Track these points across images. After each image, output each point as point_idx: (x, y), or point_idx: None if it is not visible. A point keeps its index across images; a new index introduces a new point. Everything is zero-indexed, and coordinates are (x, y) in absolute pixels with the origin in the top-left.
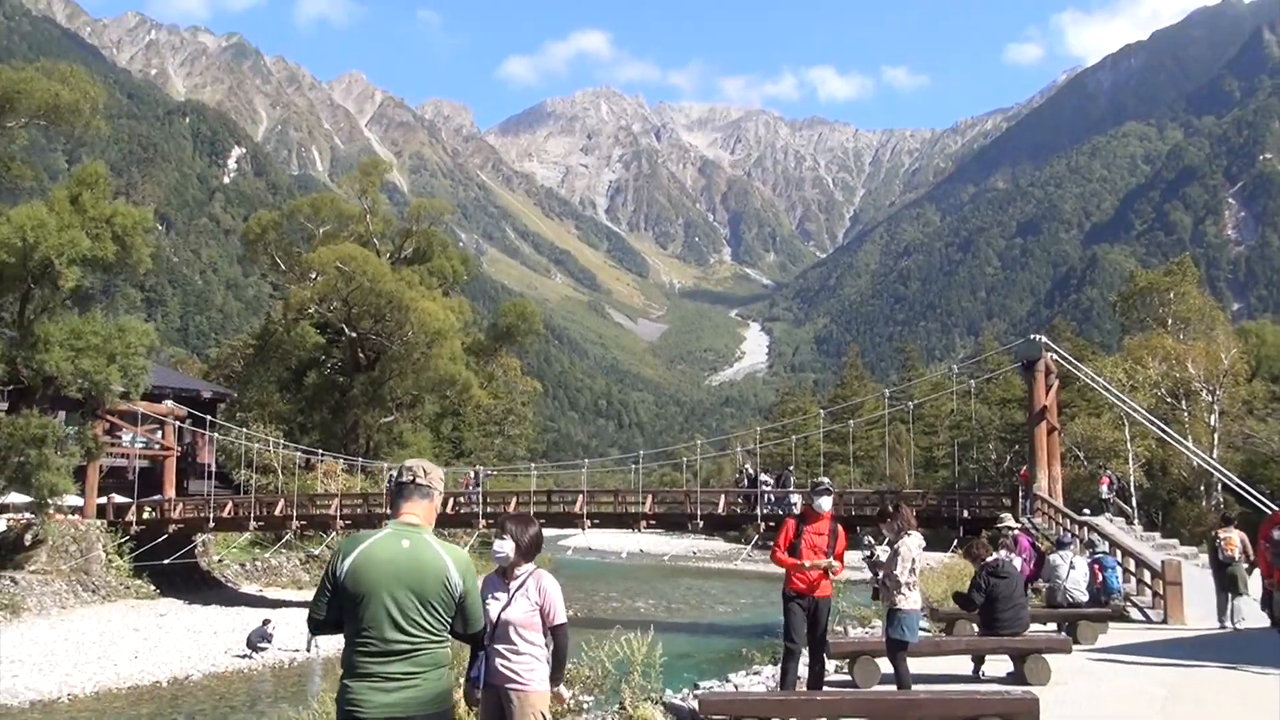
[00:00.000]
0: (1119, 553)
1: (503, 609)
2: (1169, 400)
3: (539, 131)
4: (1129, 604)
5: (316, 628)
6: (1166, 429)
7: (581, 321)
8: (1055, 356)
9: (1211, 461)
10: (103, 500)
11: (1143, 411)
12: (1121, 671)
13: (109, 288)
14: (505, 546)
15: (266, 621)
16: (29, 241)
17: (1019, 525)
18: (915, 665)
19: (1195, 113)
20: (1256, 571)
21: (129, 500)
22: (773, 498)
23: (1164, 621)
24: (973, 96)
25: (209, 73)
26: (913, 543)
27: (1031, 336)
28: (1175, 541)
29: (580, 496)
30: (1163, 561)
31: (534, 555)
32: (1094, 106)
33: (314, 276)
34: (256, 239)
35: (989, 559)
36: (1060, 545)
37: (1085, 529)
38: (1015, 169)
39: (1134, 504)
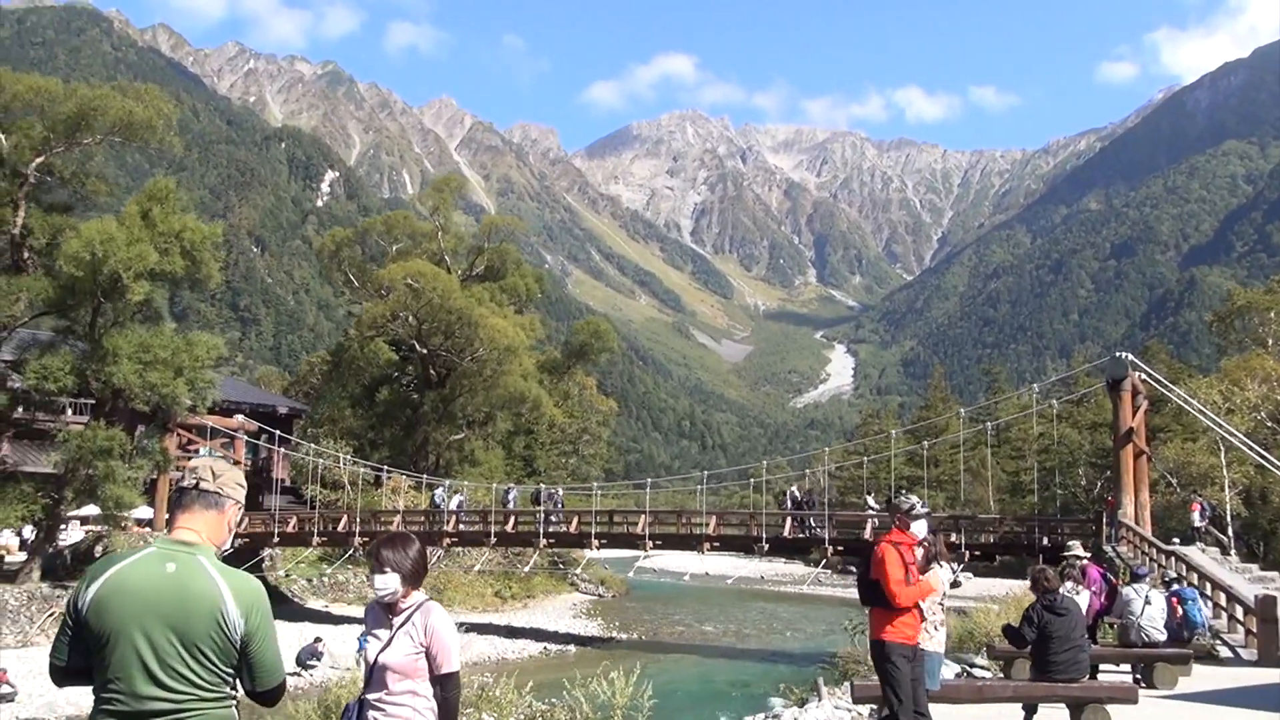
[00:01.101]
0: (1209, 585)
1: (380, 651)
2: (1269, 425)
3: (624, 154)
4: (1219, 642)
5: (59, 677)
6: (1266, 454)
7: (666, 343)
8: (1144, 376)
9: None
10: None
11: (1240, 435)
12: None
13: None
14: (388, 581)
15: (318, 639)
16: (98, 255)
17: (1088, 555)
18: (956, 713)
19: None
20: None
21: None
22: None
23: (1257, 662)
24: (1064, 117)
25: (305, 99)
26: (943, 575)
27: (1118, 354)
28: (1275, 574)
29: (643, 517)
30: (1257, 596)
31: (421, 580)
32: (1192, 125)
33: (386, 294)
34: (331, 256)
35: (1049, 591)
36: (1135, 578)
37: (1172, 559)
38: (1109, 190)
39: (1230, 534)
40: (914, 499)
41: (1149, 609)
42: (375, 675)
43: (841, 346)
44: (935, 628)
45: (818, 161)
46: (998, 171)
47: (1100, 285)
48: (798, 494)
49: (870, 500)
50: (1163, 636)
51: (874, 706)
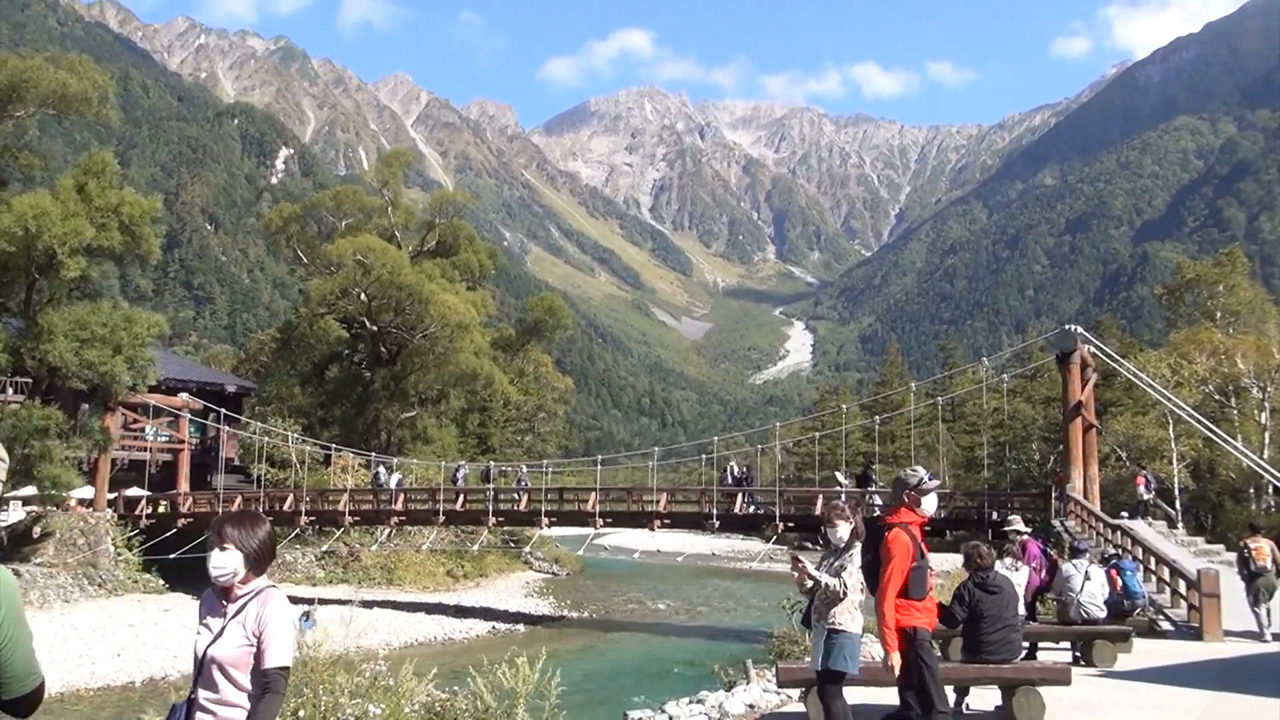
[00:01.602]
0: (1153, 560)
1: (210, 643)
2: (1217, 398)
3: (583, 131)
4: (1161, 617)
5: None
6: (1214, 428)
7: (625, 320)
8: (1093, 350)
9: (1262, 463)
10: (114, 494)
11: (1188, 409)
12: (1137, 702)
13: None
14: (227, 560)
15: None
16: (31, 230)
17: (1028, 530)
18: (883, 695)
19: (1249, 106)
20: None
21: (148, 494)
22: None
23: (1199, 637)
24: (1020, 92)
25: (257, 75)
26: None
27: (1066, 327)
28: (1221, 547)
29: (593, 494)
30: (1199, 570)
31: (266, 566)
32: (1144, 101)
33: (335, 270)
34: (278, 231)
35: (981, 568)
36: (1075, 553)
37: (1118, 533)
38: (1064, 165)
39: (1178, 506)
40: (922, 471)
41: (1089, 585)
42: (204, 670)
43: (800, 323)
44: (856, 608)
45: (776, 138)
46: (954, 147)
47: (1055, 261)
48: (736, 470)
49: (839, 476)
50: (1103, 614)
51: (803, 690)
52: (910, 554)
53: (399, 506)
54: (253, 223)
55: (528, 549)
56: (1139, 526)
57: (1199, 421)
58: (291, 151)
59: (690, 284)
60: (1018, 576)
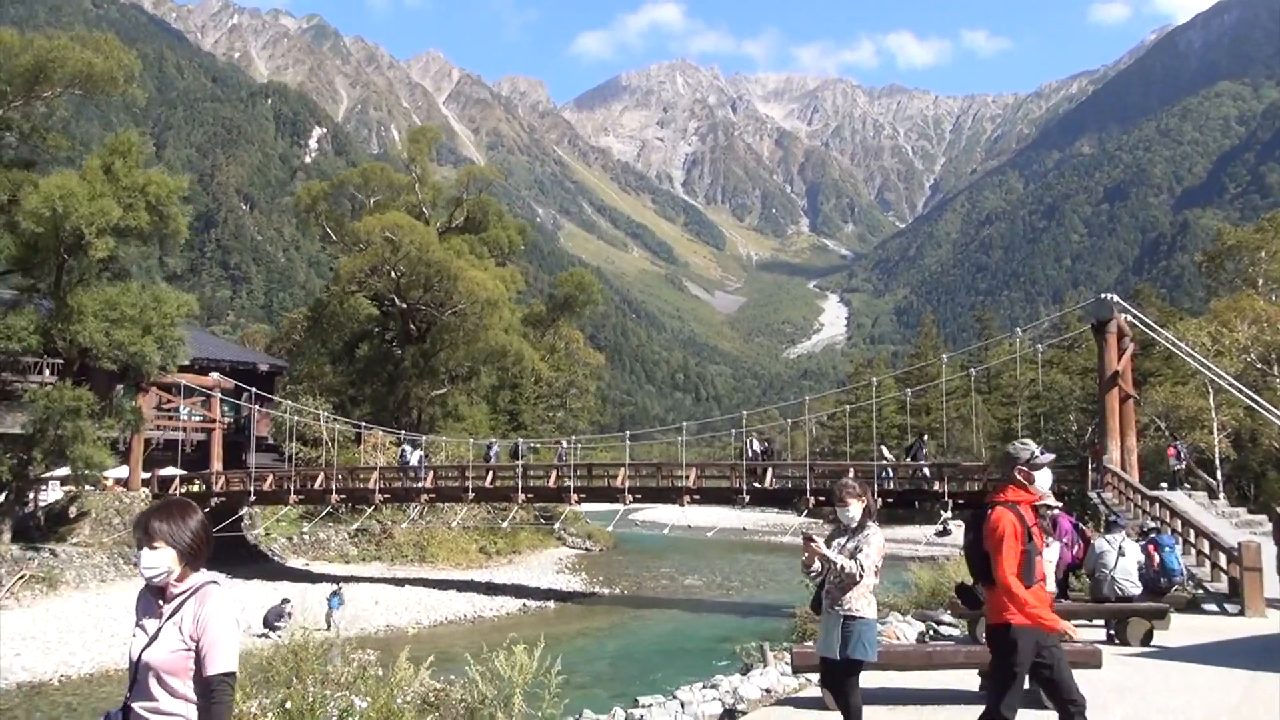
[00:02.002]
0: (1193, 532)
1: (144, 647)
2: (1259, 366)
3: (614, 106)
4: (1202, 591)
5: None
6: (1256, 397)
7: (658, 295)
8: (1130, 318)
9: None
10: (149, 474)
11: (1229, 378)
12: (1171, 683)
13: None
14: (158, 559)
15: (285, 600)
16: (59, 211)
17: (1059, 505)
18: (905, 680)
19: None
20: None
21: (181, 473)
22: (890, 472)
23: (1241, 612)
24: (1056, 59)
25: (290, 54)
26: (875, 540)
27: (1103, 295)
28: (1264, 518)
29: (622, 470)
30: (1239, 543)
31: (202, 559)
32: (1185, 66)
33: (364, 247)
34: (308, 209)
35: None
36: (1111, 527)
37: (1156, 505)
38: (1102, 133)
39: (1219, 477)
40: (1032, 445)
41: (1123, 561)
42: (140, 677)
43: (835, 296)
44: (871, 591)
45: (809, 110)
46: (989, 117)
47: (1093, 230)
48: (757, 445)
49: (885, 451)
50: (1137, 590)
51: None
52: (1019, 536)
53: (427, 484)
54: (287, 202)
55: (559, 525)
56: (1178, 498)
57: (1240, 390)
58: (325, 130)
59: (723, 258)
60: (1049, 553)
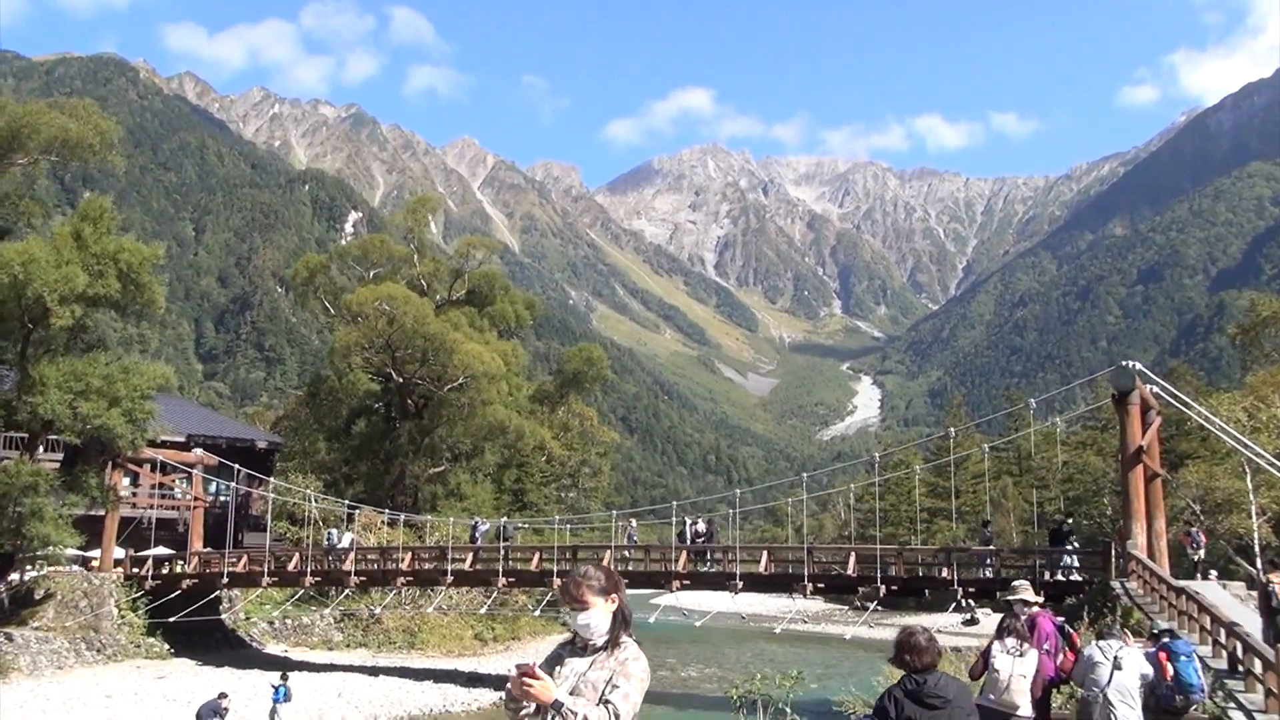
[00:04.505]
0: (1222, 631)
1: None
2: None
3: (646, 190)
4: (1231, 705)
5: None
6: None
7: (691, 376)
8: (1155, 390)
9: None
10: (135, 553)
11: (1268, 456)
12: None
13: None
14: None
15: (223, 695)
16: (19, 278)
17: (1038, 599)
18: None
19: None
20: None
21: (167, 552)
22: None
23: None
24: (1086, 141)
25: (329, 142)
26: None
27: (1124, 363)
28: None
29: (608, 553)
30: (1278, 648)
31: None
32: (1215, 148)
33: (359, 320)
34: (305, 282)
35: (918, 668)
36: (1101, 635)
37: (1183, 597)
38: (1134, 214)
39: (1260, 565)
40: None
41: (1119, 676)
42: None
43: (868, 378)
44: None
45: (840, 192)
46: (1021, 198)
47: (1128, 311)
48: (701, 528)
49: (989, 532)
50: (1134, 713)
51: None
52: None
53: (348, 568)
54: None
55: (565, 610)
56: (1209, 589)
57: None
58: (360, 215)
59: (756, 340)
60: (1024, 663)
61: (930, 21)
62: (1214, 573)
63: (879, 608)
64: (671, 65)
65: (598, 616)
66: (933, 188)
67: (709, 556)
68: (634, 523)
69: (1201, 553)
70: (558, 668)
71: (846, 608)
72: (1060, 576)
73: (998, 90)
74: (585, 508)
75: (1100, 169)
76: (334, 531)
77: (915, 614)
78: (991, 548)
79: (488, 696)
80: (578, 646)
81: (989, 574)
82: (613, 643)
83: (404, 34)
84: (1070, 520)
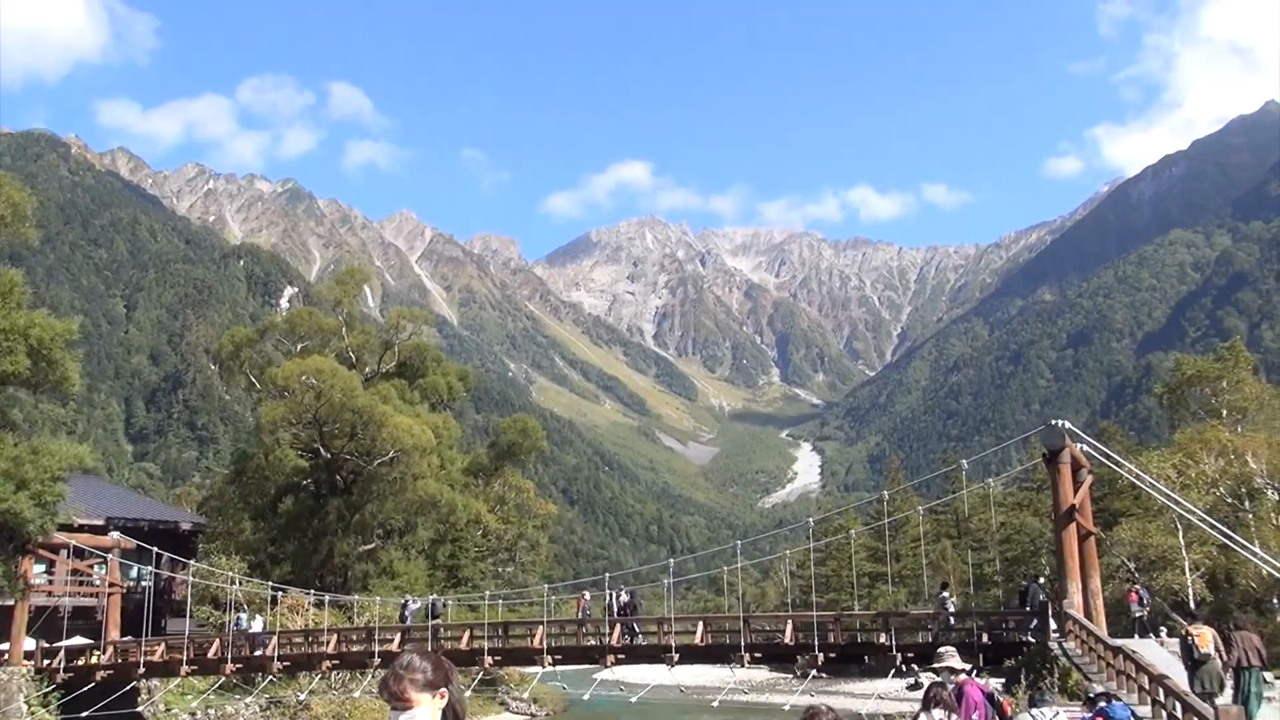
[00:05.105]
0: (1161, 691)
1: None
2: (1229, 500)
3: (585, 261)
4: None
5: None
6: (1229, 532)
7: (631, 447)
8: (1085, 448)
9: None
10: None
11: (1199, 512)
12: None
13: (143, 425)
14: None
15: None
16: None
17: (966, 667)
18: None
19: (1242, 218)
20: None
21: (85, 642)
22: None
23: None
24: (1014, 211)
25: (265, 217)
26: None
27: (1053, 422)
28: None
29: (540, 628)
30: (1216, 709)
31: None
32: (1138, 216)
33: (286, 395)
34: (230, 356)
35: None
36: (1034, 702)
37: (1120, 657)
38: (1062, 281)
39: (1203, 623)
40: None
41: None
42: None
43: (807, 445)
44: None
45: (776, 262)
46: (953, 267)
47: (1059, 375)
48: (624, 599)
49: (946, 595)
50: None
51: None
52: None
53: (269, 653)
54: (256, 360)
55: (510, 688)
56: (1146, 648)
57: (1212, 526)
58: (296, 290)
59: (696, 409)
60: None
61: (862, 95)
62: (1164, 629)
63: (824, 675)
64: (610, 139)
65: (422, 717)
66: (867, 257)
67: (634, 629)
68: (587, 595)
69: (1146, 610)
70: None
71: (791, 676)
72: (1031, 638)
73: (928, 162)
74: (523, 582)
75: (1028, 237)
76: (242, 616)
77: (859, 680)
78: (950, 610)
79: None
80: None
81: (929, 638)
82: None
83: (342, 109)
84: (1041, 580)
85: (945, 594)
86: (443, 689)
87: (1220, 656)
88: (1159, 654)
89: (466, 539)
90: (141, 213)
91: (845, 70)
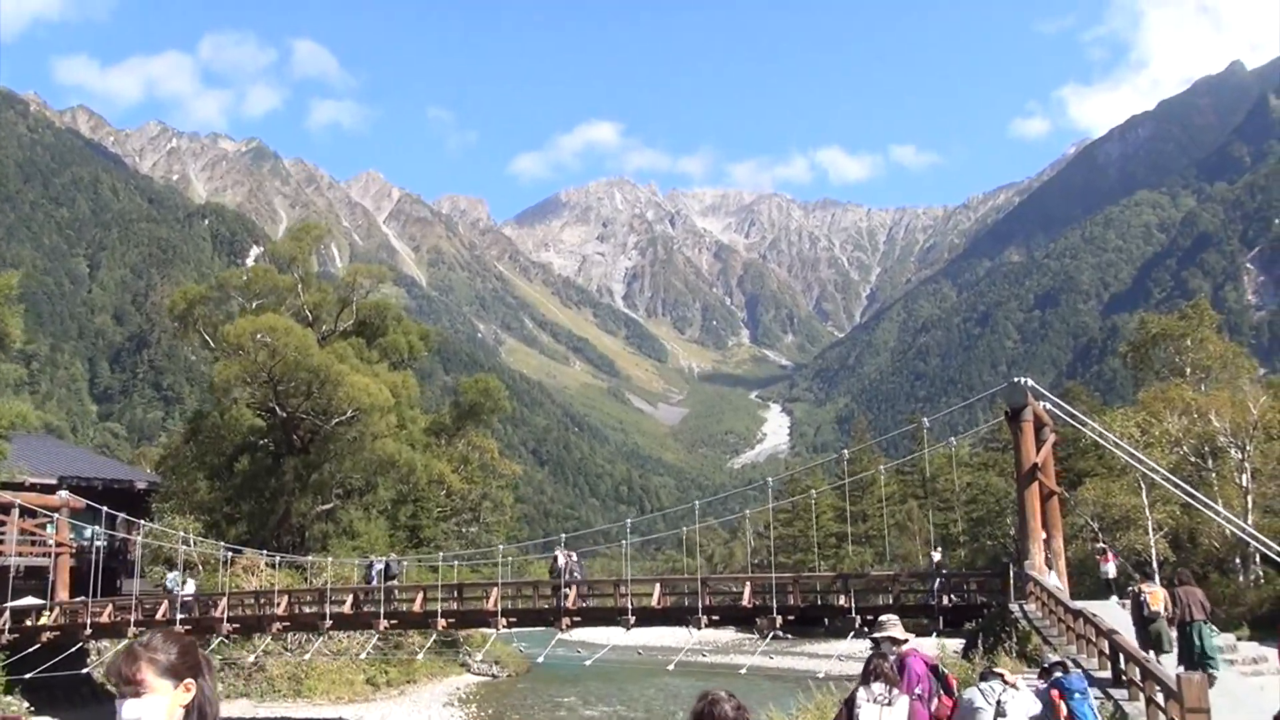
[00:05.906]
0: (1122, 657)
1: None
2: (1193, 460)
3: (554, 222)
4: None
5: None
6: (1192, 491)
7: (601, 408)
8: (1049, 406)
9: (1247, 528)
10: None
11: (1162, 471)
12: None
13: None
14: None
15: None
16: None
17: (907, 637)
18: None
19: (1207, 179)
20: None
21: (37, 602)
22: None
23: None
24: (982, 172)
25: (229, 176)
26: None
27: (1015, 380)
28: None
29: (494, 590)
30: (1179, 676)
31: None
32: (1104, 178)
33: (240, 353)
34: (183, 314)
35: None
36: (982, 675)
37: (1080, 620)
38: (1029, 242)
39: (1157, 582)
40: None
41: None
42: None
43: (777, 406)
44: None
45: (746, 224)
46: (921, 228)
47: (1026, 335)
48: (561, 561)
49: (935, 554)
50: None
51: None
52: None
53: (218, 614)
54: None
55: (463, 650)
56: (1107, 610)
57: (1175, 485)
58: (262, 249)
59: (665, 370)
60: (893, 712)
61: (830, 56)
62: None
63: (787, 636)
64: (578, 99)
65: (153, 710)
66: (836, 218)
67: (576, 591)
68: (574, 555)
69: (1113, 569)
70: None
71: (755, 637)
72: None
73: (896, 123)
74: (487, 543)
75: (996, 199)
76: (174, 575)
77: (824, 640)
78: (945, 572)
79: None
80: None
81: (890, 600)
82: None
83: (306, 67)
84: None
85: (936, 554)
86: (190, 680)
87: (1167, 614)
88: (1120, 616)
89: (429, 499)
90: (104, 171)
91: (814, 31)
